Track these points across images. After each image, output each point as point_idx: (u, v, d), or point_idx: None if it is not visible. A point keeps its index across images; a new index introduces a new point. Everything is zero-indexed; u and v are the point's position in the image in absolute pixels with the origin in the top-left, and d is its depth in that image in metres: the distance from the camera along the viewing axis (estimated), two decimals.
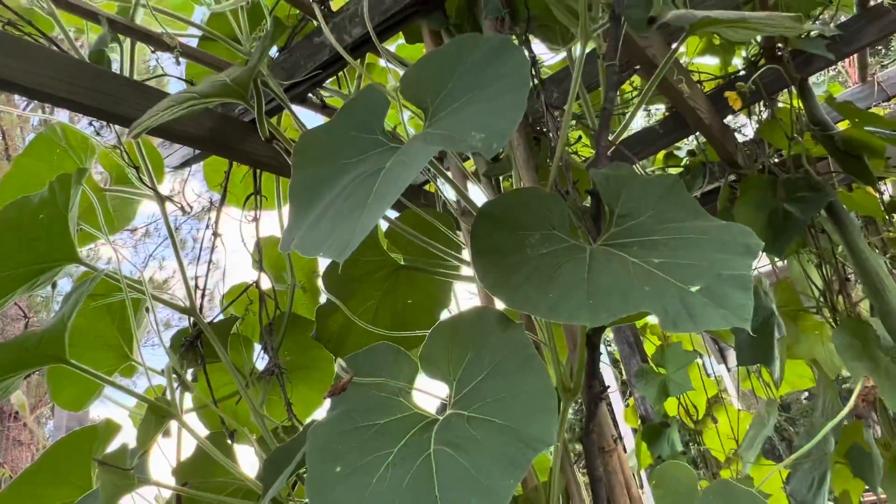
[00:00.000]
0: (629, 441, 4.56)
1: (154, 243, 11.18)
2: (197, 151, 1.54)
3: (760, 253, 0.77)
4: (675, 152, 2.54)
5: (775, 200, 1.84)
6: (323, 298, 1.53)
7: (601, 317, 0.70)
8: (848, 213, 1.70)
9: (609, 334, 2.79)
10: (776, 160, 2.23)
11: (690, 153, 2.41)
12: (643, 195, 0.89)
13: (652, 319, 2.94)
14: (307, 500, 0.98)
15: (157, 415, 1.07)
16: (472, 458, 0.70)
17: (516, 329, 0.80)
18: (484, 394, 0.77)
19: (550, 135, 1.08)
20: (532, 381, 0.74)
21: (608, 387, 0.94)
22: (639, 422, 2.76)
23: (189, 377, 1.35)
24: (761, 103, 2.18)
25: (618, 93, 2.08)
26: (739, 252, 0.75)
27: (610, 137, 1.03)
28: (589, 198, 0.97)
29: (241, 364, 1.37)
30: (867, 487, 1.92)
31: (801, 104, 1.83)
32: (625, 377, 2.82)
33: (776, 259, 2.20)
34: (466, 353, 0.83)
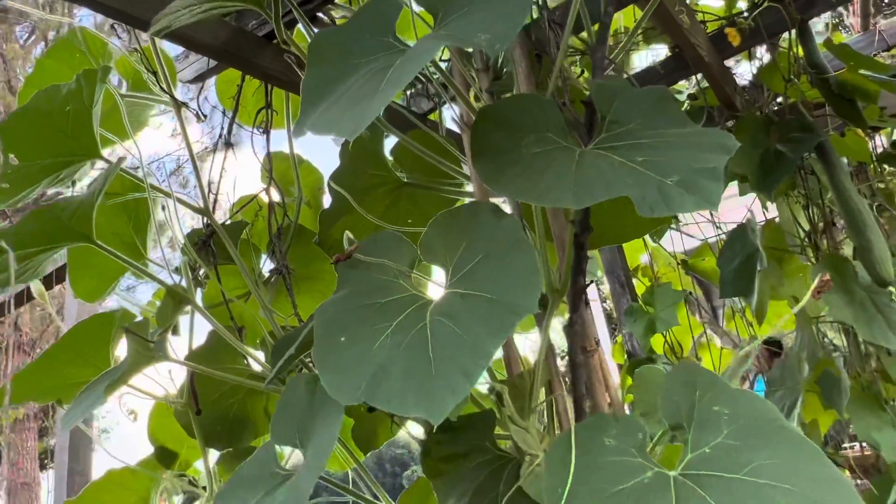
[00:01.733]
0: (615, 376, 4.71)
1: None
2: (211, 65, 1.59)
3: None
4: (676, 96, 2.58)
5: (769, 141, 1.90)
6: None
7: (584, 200, 0.78)
8: (837, 154, 1.76)
9: (601, 272, 2.88)
10: (775, 108, 2.28)
11: (691, 97, 2.45)
12: (634, 104, 0.96)
13: (644, 260, 3.03)
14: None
15: (174, 299, 1.15)
16: (463, 324, 0.79)
17: (508, 218, 0.87)
18: (477, 275, 0.85)
19: (551, 50, 1.13)
20: (519, 259, 0.81)
21: (593, 280, 1.02)
22: (625, 357, 2.88)
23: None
24: (762, 49, 2.22)
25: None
26: (716, 150, 0.82)
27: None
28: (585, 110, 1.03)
29: (249, 268, 1.45)
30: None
31: (800, 47, 1.87)
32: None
33: (767, 202, 2.28)
34: (462, 242, 0.91)
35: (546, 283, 1.12)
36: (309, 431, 0.92)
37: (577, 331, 1.03)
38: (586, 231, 1.00)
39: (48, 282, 3.43)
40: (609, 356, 3.37)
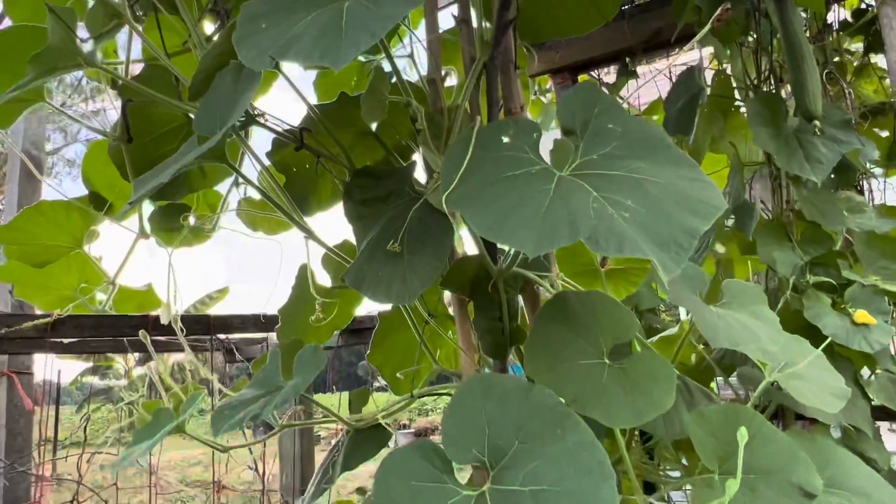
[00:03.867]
0: None
1: None
2: None
3: None
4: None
5: None
6: None
7: None
8: None
9: (555, 124, 2.91)
10: None
11: None
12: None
13: None
14: None
15: (105, 9, 1.14)
16: (378, 3, 0.82)
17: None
18: None
19: None
20: None
21: (516, 17, 1.04)
22: None
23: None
24: None
25: None
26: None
27: None
28: None
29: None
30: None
31: None
32: None
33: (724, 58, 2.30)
34: None
35: (478, 39, 1.15)
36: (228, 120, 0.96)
37: (497, 64, 1.07)
38: None
39: None
40: None
